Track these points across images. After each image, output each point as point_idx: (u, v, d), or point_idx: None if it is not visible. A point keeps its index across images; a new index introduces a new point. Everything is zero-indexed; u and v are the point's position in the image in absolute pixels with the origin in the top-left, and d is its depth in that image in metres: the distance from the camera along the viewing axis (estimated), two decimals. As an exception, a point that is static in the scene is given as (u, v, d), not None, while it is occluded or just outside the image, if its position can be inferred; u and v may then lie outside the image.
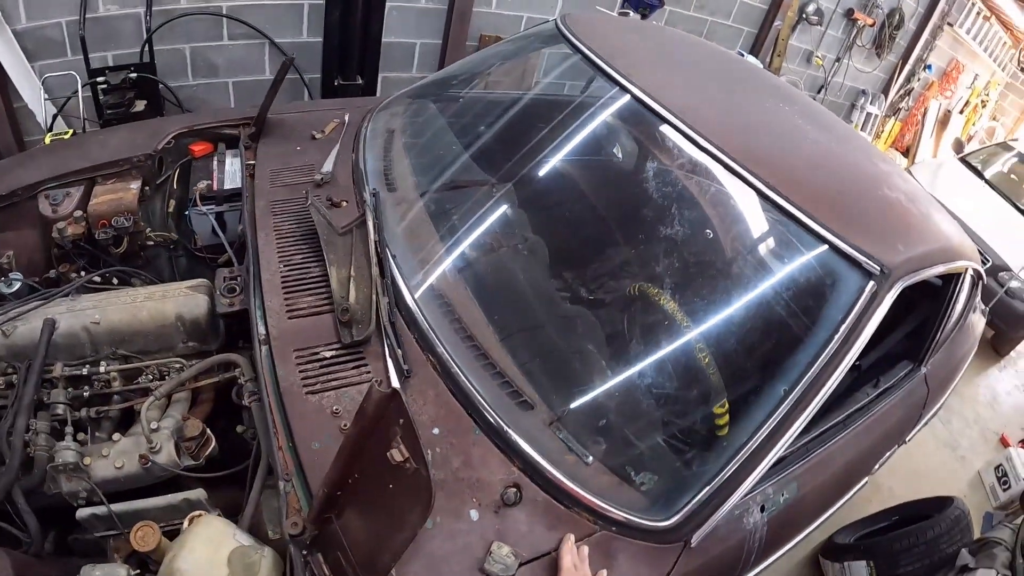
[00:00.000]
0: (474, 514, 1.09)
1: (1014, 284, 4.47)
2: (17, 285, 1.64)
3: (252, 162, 1.77)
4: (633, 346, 1.44)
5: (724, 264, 1.52)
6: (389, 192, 1.60)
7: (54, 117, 3.10)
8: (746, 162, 1.40)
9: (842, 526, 2.79)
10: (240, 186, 1.78)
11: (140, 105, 3.17)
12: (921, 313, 2.03)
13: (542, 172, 1.62)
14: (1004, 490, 3.56)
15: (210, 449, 1.42)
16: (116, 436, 1.42)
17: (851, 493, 1.86)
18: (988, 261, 4.14)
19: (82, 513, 1.29)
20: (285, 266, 1.38)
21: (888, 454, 1.97)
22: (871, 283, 1.27)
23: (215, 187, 1.86)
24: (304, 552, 1.04)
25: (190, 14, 3.18)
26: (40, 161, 1.86)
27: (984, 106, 8.08)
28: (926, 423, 2.26)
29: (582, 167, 1.71)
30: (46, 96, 3.05)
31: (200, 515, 1.28)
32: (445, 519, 1.08)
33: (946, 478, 3.29)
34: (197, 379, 1.41)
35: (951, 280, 1.85)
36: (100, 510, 1.27)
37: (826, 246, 1.31)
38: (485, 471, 1.14)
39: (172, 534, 1.21)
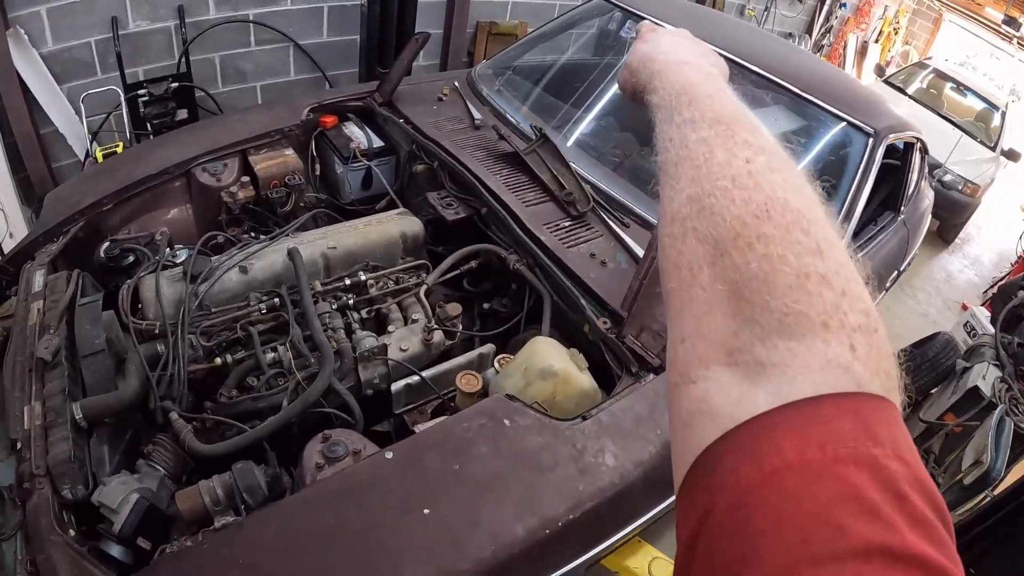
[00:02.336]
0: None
1: (947, 177, 5.90)
2: (184, 255, 1.88)
3: (400, 120, 2.44)
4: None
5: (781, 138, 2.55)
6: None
7: (94, 134, 3.40)
8: (775, 73, 2.43)
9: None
10: (384, 144, 2.45)
11: (182, 114, 3.58)
12: (888, 185, 3.18)
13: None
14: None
15: (461, 328, 1.95)
16: (391, 328, 1.86)
17: (878, 299, 2.97)
18: (924, 161, 5.51)
19: (396, 386, 1.68)
20: (500, 177, 2.19)
21: (895, 275, 3.10)
22: (871, 139, 2.34)
23: (363, 147, 2.40)
24: (616, 335, 1.72)
25: (221, 23, 3.66)
26: (182, 142, 2.22)
27: (896, 33, 9.94)
28: (912, 259, 3.43)
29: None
30: (85, 115, 3.30)
31: (507, 357, 1.80)
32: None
33: (926, 336, 4.53)
34: (451, 269, 2.04)
35: (909, 150, 2.99)
36: (412, 380, 1.70)
37: (841, 121, 2.37)
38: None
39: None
